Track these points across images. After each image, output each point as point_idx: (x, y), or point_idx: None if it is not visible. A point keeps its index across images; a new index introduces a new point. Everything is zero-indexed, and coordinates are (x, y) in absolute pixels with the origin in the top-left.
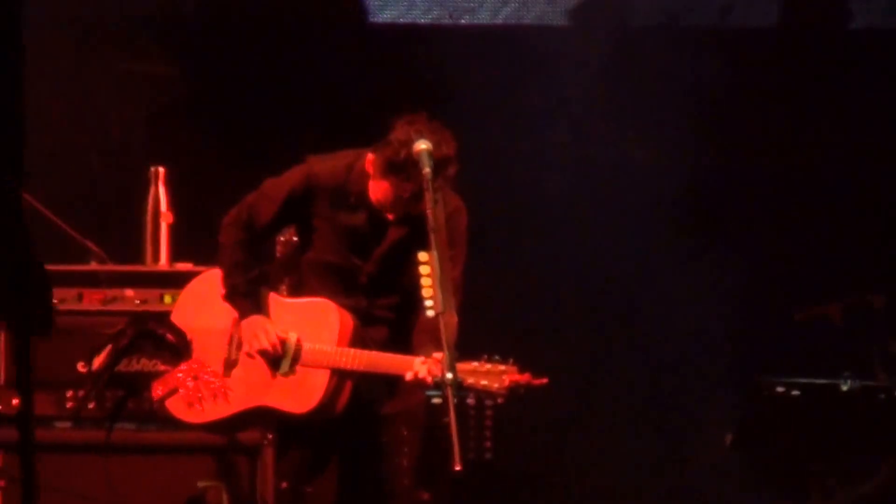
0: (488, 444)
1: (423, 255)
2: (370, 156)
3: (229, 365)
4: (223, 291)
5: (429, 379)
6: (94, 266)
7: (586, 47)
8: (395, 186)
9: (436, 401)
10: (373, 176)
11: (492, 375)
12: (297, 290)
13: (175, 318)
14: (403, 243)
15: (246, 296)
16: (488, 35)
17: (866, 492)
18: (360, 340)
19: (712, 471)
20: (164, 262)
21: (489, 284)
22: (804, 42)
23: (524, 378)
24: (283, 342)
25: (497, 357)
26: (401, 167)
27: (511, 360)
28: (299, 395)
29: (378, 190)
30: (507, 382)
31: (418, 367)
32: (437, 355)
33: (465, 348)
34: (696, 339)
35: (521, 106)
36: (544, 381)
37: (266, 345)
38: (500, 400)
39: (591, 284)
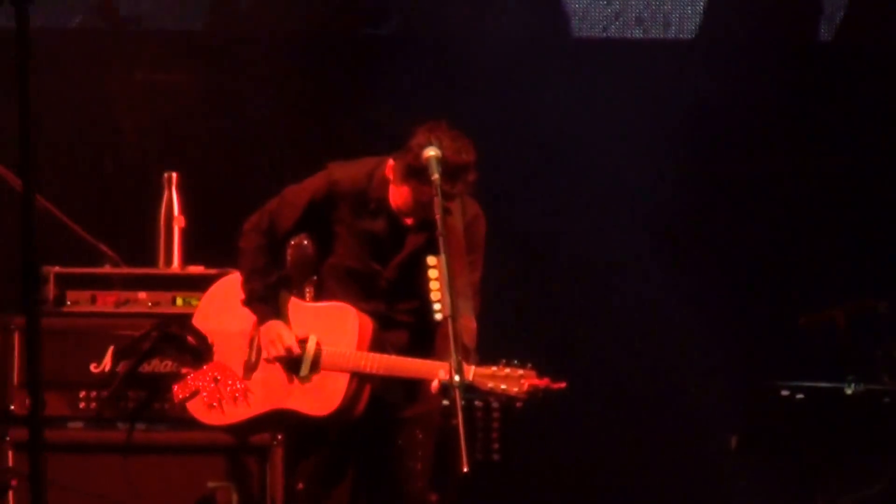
0: (496, 445)
1: (431, 259)
2: (391, 162)
3: (250, 368)
4: (242, 296)
5: (449, 378)
6: (107, 269)
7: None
8: (415, 191)
9: (444, 403)
10: (393, 181)
11: (510, 379)
12: (317, 295)
13: (197, 322)
14: (423, 249)
15: (264, 300)
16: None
17: (871, 495)
18: (379, 344)
19: (718, 474)
20: (176, 265)
21: (503, 289)
22: (812, 50)
23: (543, 382)
24: (303, 345)
25: (515, 361)
26: (420, 172)
27: (529, 365)
28: (319, 398)
29: (398, 195)
30: (525, 386)
31: (441, 373)
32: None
33: (482, 353)
34: (701, 343)
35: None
36: (562, 385)
37: (282, 351)
38: (518, 404)
39: (599, 289)
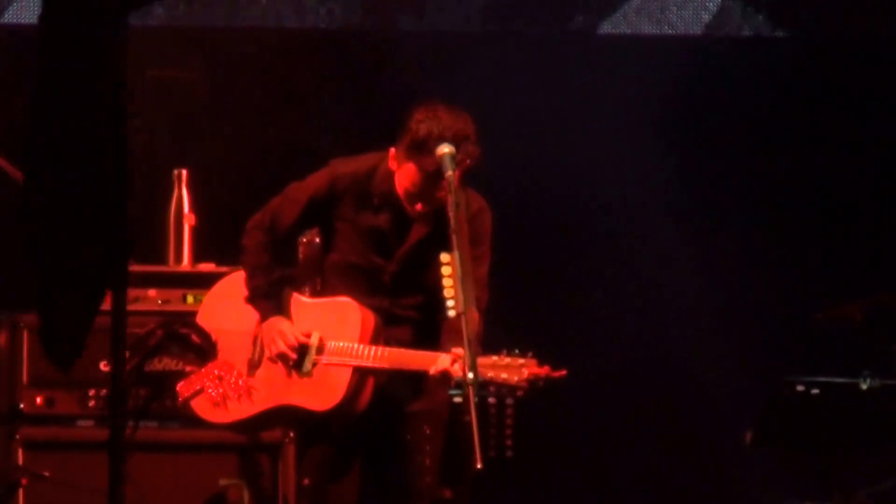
0: (509, 442)
1: (444, 256)
2: (392, 150)
3: (253, 365)
4: (246, 293)
5: (451, 369)
6: None
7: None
8: (419, 164)
9: (457, 400)
10: (398, 166)
11: (511, 368)
12: (321, 292)
13: (201, 319)
14: (426, 243)
15: (268, 298)
16: None
17: (886, 489)
18: (382, 338)
19: (732, 469)
20: (186, 263)
21: (511, 282)
22: (822, 47)
23: (543, 371)
24: (306, 342)
25: (516, 350)
26: (422, 144)
27: (530, 354)
28: (322, 392)
29: (405, 177)
30: (525, 375)
31: (442, 360)
32: (458, 350)
33: (487, 344)
34: (716, 338)
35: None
36: (563, 373)
37: (283, 348)
38: (519, 393)
39: (613, 283)
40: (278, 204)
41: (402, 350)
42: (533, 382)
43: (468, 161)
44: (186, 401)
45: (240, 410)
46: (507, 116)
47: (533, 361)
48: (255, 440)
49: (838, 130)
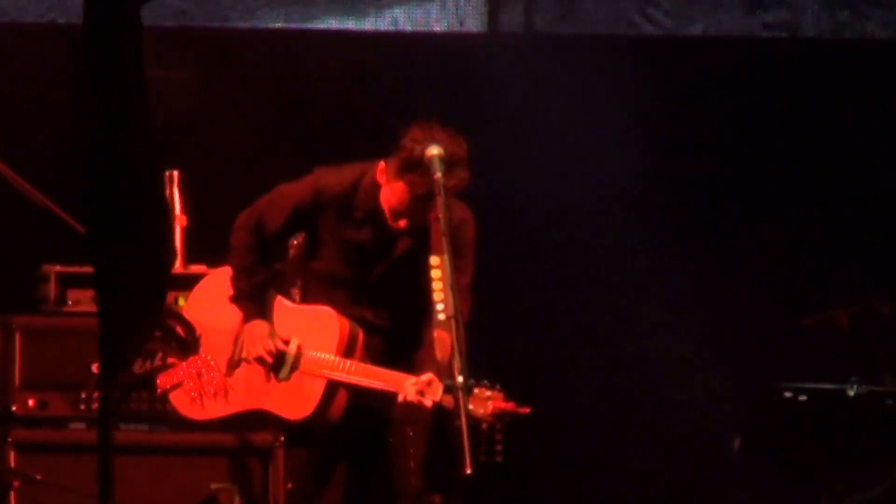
0: (499, 447)
1: (434, 259)
2: (382, 164)
3: (233, 365)
4: (230, 293)
5: (415, 398)
6: None
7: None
8: (410, 185)
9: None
10: (386, 181)
11: (478, 400)
12: (303, 296)
13: (187, 311)
14: (409, 256)
15: (251, 300)
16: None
17: (873, 496)
18: (359, 349)
19: (720, 475)
20: (178, 264)
21: (490, 294)
22: (812, 49)
23: (509, 406)
24: (284, 349)
25: (485, 381)
26: (416, 164)
27: (498, 386)
28: (295, 402)
29: (392, 194)
30: (491, 409)
31: (408, 388)
32: (425, 377)
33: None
34: (704, 344)
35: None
36: (527, 410)
37: (262, 353)
38: (484, 426)
39: (600, 290)
40: (264, 207)
41: (376, 368)
42: (499, 417)
43: (456, 185)
44: (165, 392)
45: (215, 409)
46: (487, 123)
47: (500, 395)
48: (245, 444)
49: (826, 136)
